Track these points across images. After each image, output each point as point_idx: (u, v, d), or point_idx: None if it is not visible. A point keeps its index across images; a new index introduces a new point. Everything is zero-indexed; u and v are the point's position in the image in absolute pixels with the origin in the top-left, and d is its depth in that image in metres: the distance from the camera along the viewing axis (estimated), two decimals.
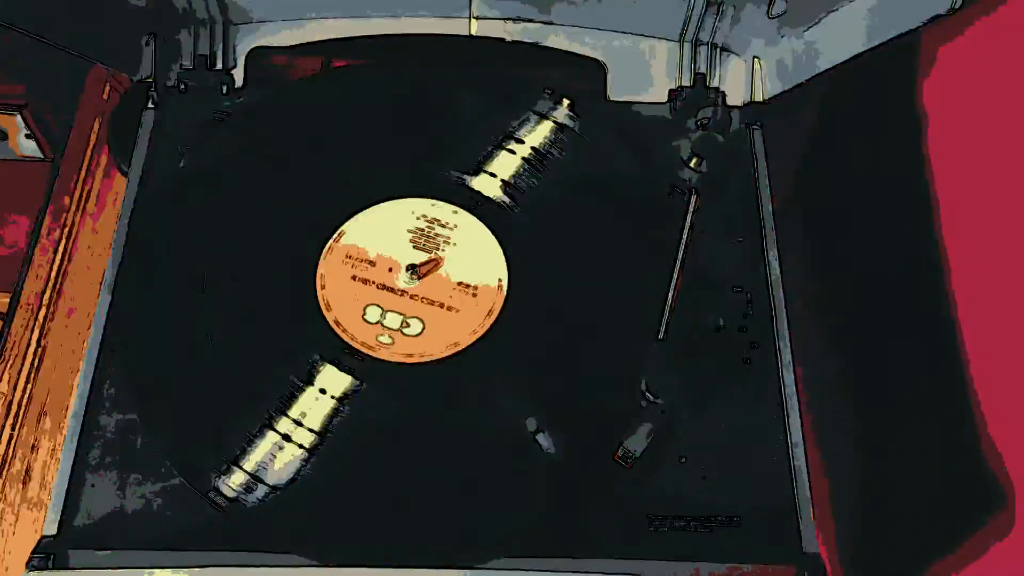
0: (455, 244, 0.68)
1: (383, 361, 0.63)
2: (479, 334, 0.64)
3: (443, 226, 0.69)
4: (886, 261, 0.76)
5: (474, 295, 0.66)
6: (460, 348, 0.63)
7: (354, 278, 0.67)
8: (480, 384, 0.63)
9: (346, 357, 0.63)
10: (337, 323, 0.64)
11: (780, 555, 0.58)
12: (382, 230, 0.69)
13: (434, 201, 0.70)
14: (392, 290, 0.66)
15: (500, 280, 0.66)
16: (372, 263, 0.67)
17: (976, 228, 0.64)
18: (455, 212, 0.69)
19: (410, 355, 0.63)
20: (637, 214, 0.71)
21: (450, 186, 0.71)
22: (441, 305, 0.65)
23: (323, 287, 0.66)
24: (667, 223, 0.68)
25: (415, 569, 0.57)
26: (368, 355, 0.63)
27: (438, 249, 0.68)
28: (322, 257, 0.67)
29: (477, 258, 0.67)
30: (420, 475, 0.60)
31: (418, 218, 0.69)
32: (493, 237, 0.68)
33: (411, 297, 0.66)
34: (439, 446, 0.61)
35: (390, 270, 0.67)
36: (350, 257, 0.67)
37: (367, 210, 0.70)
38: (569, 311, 0.66)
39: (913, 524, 0.69)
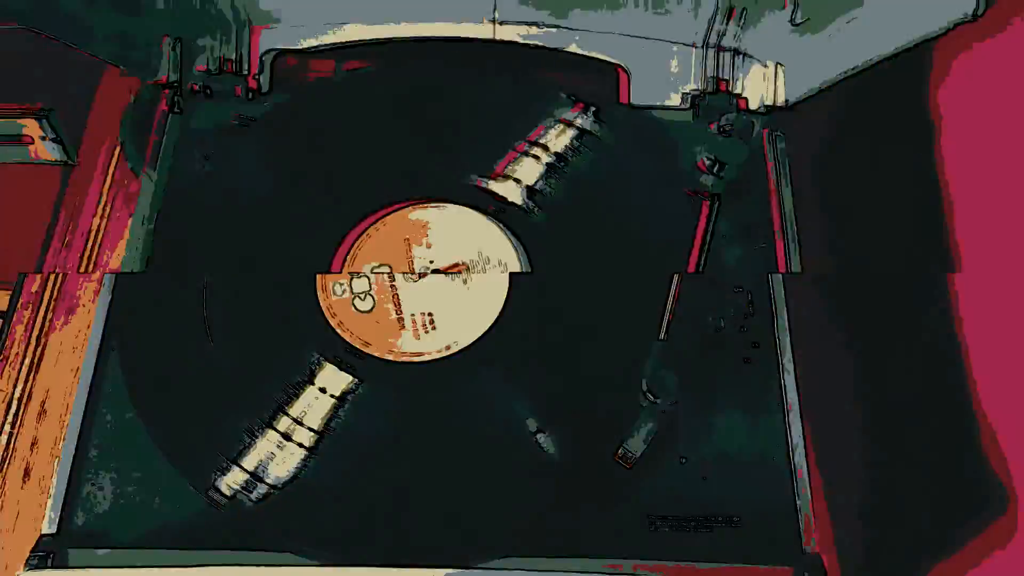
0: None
1: (383, 360, 0.63)
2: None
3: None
4: (890, 263, 0.75)
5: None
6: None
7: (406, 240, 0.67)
8: (480, 384, 0.63)
9: (346, 356, 0.63)
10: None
11: (779, 556, 0.58)
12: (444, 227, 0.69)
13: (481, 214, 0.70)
14: (397, 287, 0.66)
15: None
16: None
17: (990, 232, 0.64)
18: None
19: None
20: (656, 219, 0.71)
21: (470, 190, 0.71)
22: (435, 312, 0.65)
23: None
24: (686, 229, 0.68)
25: (414, 568, 0.57)
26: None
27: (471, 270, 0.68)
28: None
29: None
30: (419, 474, 0.60)
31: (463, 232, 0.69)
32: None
33: (413, 296, 0.66)
34: (438, 445, 0.61)
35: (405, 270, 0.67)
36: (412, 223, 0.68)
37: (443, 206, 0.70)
38: (576, 313, 0.66)
39: (913, 526, 0.69)
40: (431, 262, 0.66)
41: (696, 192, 0.71)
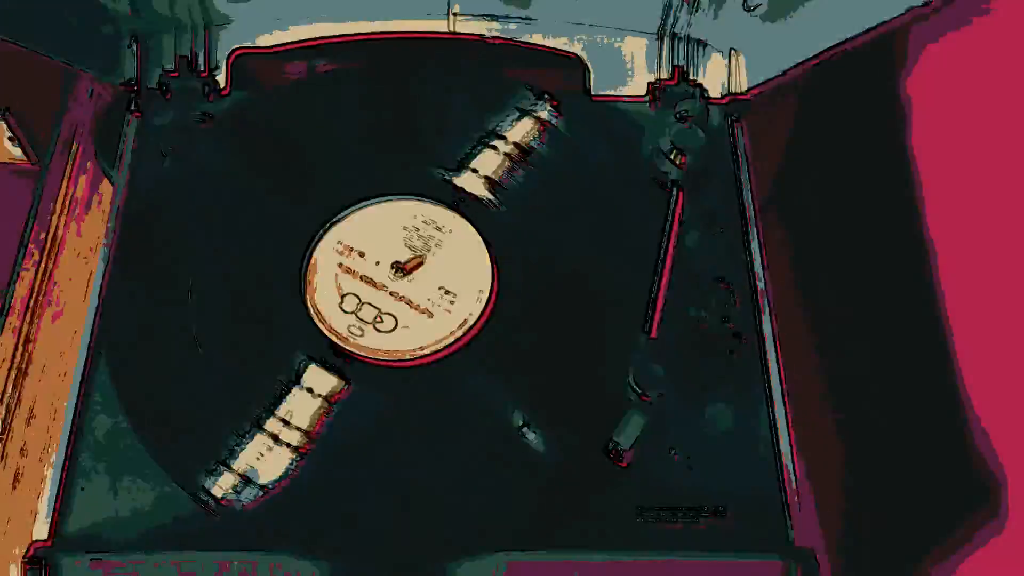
0: (443, 247, 0.68)
1: (369, 360, 0.63)
2: (447, 342, 0.64)
3: (438, 229, 0.69)
4: (870, 253, 0.76)
5: (452, 303, 0.66)
6: (425, 353, 0.64)
7: (340, 266, 0.67)
8: (468, 382, 0.63)
9: (332, 357, 0.63)
10: (317, 312, 0.65)
11: (768, 546, 0.59)
12: (376, 227, 0.69)
13: (435, 203, 0.70)
14: (374, 284, 0.66)
15: (481, 292, 0.66)
16: (361, 254, 0.67)
17: (961, 221, 0.64)
18: (453, 217, 0.69)
19: (377, 351, 0.64)
20: (620, 210, 0.71)
21: (433, 183, 0.71)
22: (417, 307, 0.66)
23: (310, 282, 0.66)
24: (650, 218, 0.69)
25: (405, 566, 0.57)
26: (343, 347, 0.63)
27: (427, 251, 0.68)
28: (313, 248, 0.68)
29: (463, 265, 0.68)
30: (408, 473, 0.61)
31: (413, 218, 0.69)
32: (483, 246, 0.68)
33: (390, 294, 0.66)
34: (427, 444, 0.61)
35: (377, 264, 0.67)
36: (340, 243, 0.68)
37: (365, 207, 0.70)
38: (555, 307, 0.67)
39: (901, 516, 0.69)
40: (393, 265, 0.67)
41: (658, 181, 0.71)
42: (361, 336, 0.64)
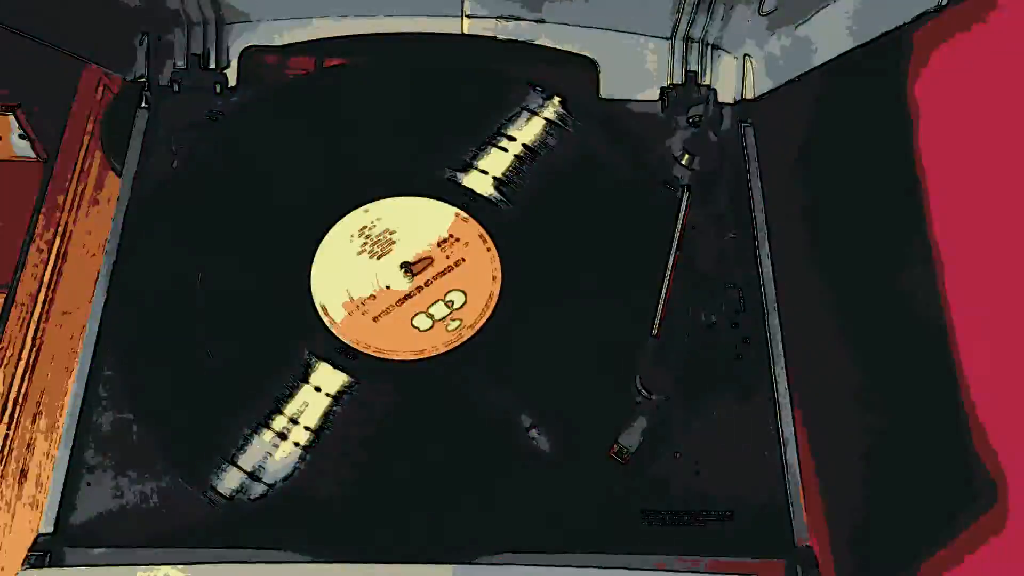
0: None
1: (377, 358, 0.63)
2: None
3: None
4: (878, 256, 0.76)
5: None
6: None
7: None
8: (475, 382, 0.63)
9: (340, 355, 0.63)
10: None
11: (772, 549, 0.59)
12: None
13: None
14: (382, 282, 0.67)
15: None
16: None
17: (968, 223, 0.64)
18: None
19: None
20: (629, 212, 0.71)
21: (441, 183, 0.71)
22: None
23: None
24: (659, 220, 0.69)
25: (410, 565, 0.57)
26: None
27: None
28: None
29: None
30: (415, 472, 0.61)
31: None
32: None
33: (398, 293, 0.66)
34: (433, 443, 0.61)
35: (386, 262, 0.68)
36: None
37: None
38: (561, 308, 0.67)
39: (904, 519, 0.69)
40: (402, 266, 0.67)
41: (668, 184, 0.71)
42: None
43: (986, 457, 0.59)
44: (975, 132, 0.64)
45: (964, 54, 0.66)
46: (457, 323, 0.65)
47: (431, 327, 0.65)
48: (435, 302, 0.66)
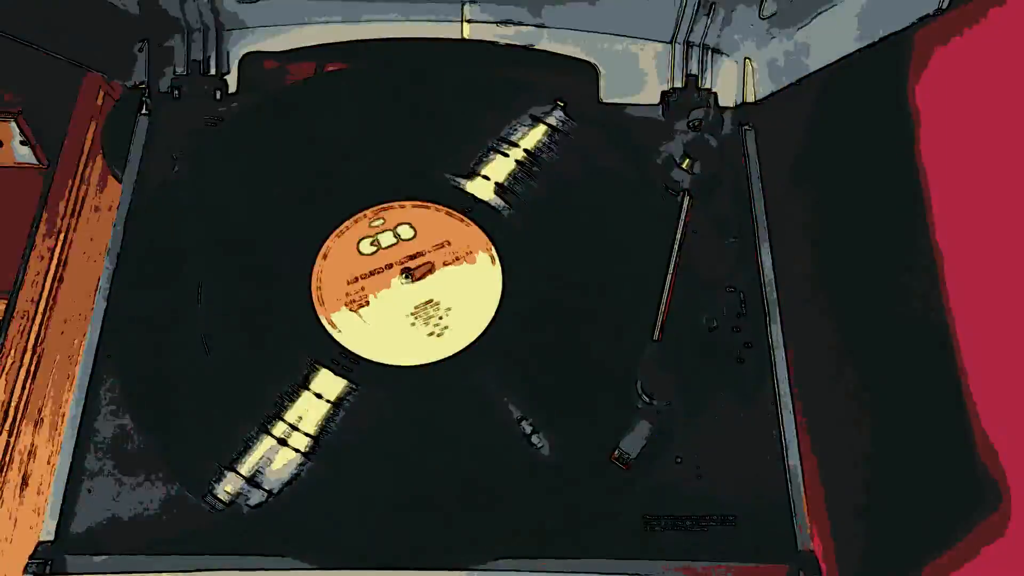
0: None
1: (377, 364, 0.63)
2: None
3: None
4: (880, 260, 0.76)
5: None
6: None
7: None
8: (476, 387, 0.63)
9: (341, 361, 0.63)
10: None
11: (775, 553, 0.59)
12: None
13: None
14: (383, 288, 0.67)
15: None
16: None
17: (969, 226, 0.64)
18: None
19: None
20: (630, 216, 0.71)
21: (443, 188, 0.71)
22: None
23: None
24: (660, 225, 0.69)
25: (411, 571, 0.57)
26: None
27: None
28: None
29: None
30: (416, 477, 0.61)
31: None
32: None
33: (400, 298, 0.66)
34: (434, 448, 0.61)
35: (388, 268, 0.68)
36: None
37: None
38: (563, 313, 0.67)
39: (907, 522, 0.69)
40: (403, 272, 0.67)
41: (669, 188, 0.71)
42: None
43: (989, 461, 0.59)
44: (976, 136, 0.64)
45: (965, 57, 0.66)
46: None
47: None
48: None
